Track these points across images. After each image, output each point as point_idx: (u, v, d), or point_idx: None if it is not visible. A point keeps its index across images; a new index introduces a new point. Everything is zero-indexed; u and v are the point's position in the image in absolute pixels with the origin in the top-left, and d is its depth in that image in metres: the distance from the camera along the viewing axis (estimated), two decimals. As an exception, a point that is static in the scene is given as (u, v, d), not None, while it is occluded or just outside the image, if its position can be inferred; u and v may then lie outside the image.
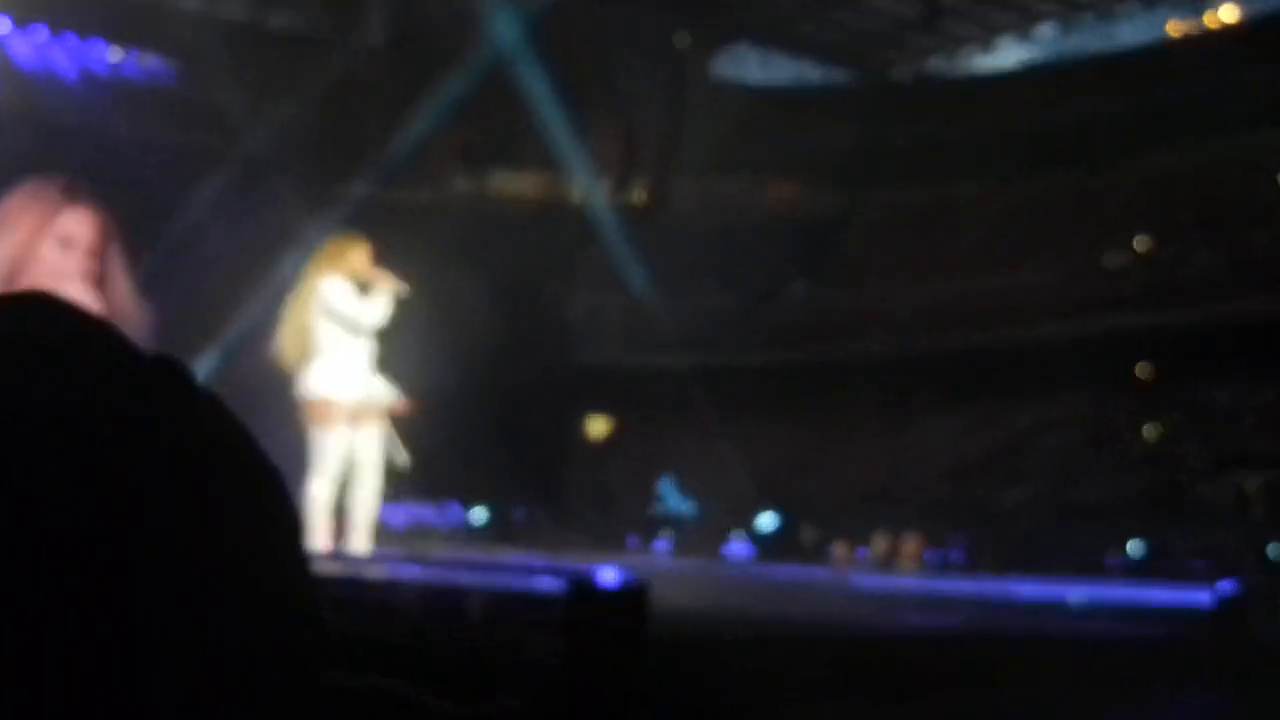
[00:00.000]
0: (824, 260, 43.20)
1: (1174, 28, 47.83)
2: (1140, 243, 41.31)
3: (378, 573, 8.17)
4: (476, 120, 41.78)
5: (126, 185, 33.74)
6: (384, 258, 10.95)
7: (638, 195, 44.07)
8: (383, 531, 25.85)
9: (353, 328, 10.12)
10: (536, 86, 39.38)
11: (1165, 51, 46.17)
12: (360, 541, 10.16)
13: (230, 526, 0.86)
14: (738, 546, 29.72)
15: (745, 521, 30.61)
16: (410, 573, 7.60)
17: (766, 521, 30.73)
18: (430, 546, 17.50)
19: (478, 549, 16.61)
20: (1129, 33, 48.31)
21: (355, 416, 10.09)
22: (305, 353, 10.09)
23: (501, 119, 40.65)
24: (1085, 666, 7.49)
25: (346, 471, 10.21)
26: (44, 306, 0.91)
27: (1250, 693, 8.02)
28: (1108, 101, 42.69)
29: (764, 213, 45.35)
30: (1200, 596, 9.42)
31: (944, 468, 38.29)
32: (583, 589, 5.17)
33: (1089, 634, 9.55)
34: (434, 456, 30.13)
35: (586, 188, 39.98)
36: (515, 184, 43.54)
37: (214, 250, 34.64)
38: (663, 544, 30.39)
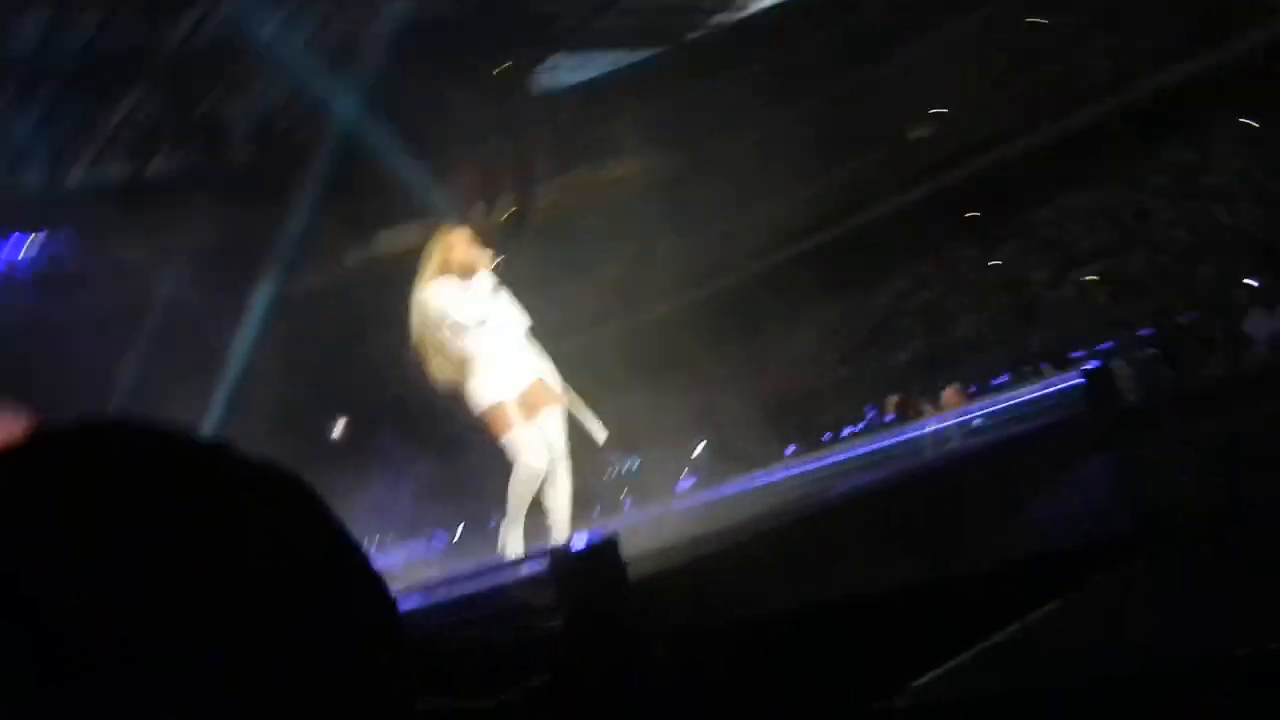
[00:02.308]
0: (684, 211, 43.25)
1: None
2: (941, 111, 41.78)
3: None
4: (351, 195, 41.65)
5: (53, 366, 33.73)
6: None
7: (506, 214, 43.98)
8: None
9: (479, 324, 8.65)
10: (391, 147, 39.33)
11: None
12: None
13: (330, 628, 0.90)
14: (686, 482, 29.60)
15: (684, 458, 30.56)
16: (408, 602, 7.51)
17: (700, 452, 30.67)
18: (423, 574, 17.22)
19: (468, 563, 16.34)
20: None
21: (530, 409, 8.61)
22: (457, 367, 8.73)
23: (367, 185, 40.50)
24: (993, 469, 7.68)
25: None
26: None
27: (1124, 446, 8.28)
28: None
29: (621, 189, 45.34)
30: (1070, 383, 9.62)
31: (837, 352, 38.62)
32: (561, 560, 5.28)
33: (991, 441, 9.74)
34: (401, 493, 30.28)
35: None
36: (401, 239, 43.35)
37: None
38: (627, 502, 30.24)
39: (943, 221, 37.61)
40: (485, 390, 8.56)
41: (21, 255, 41.71)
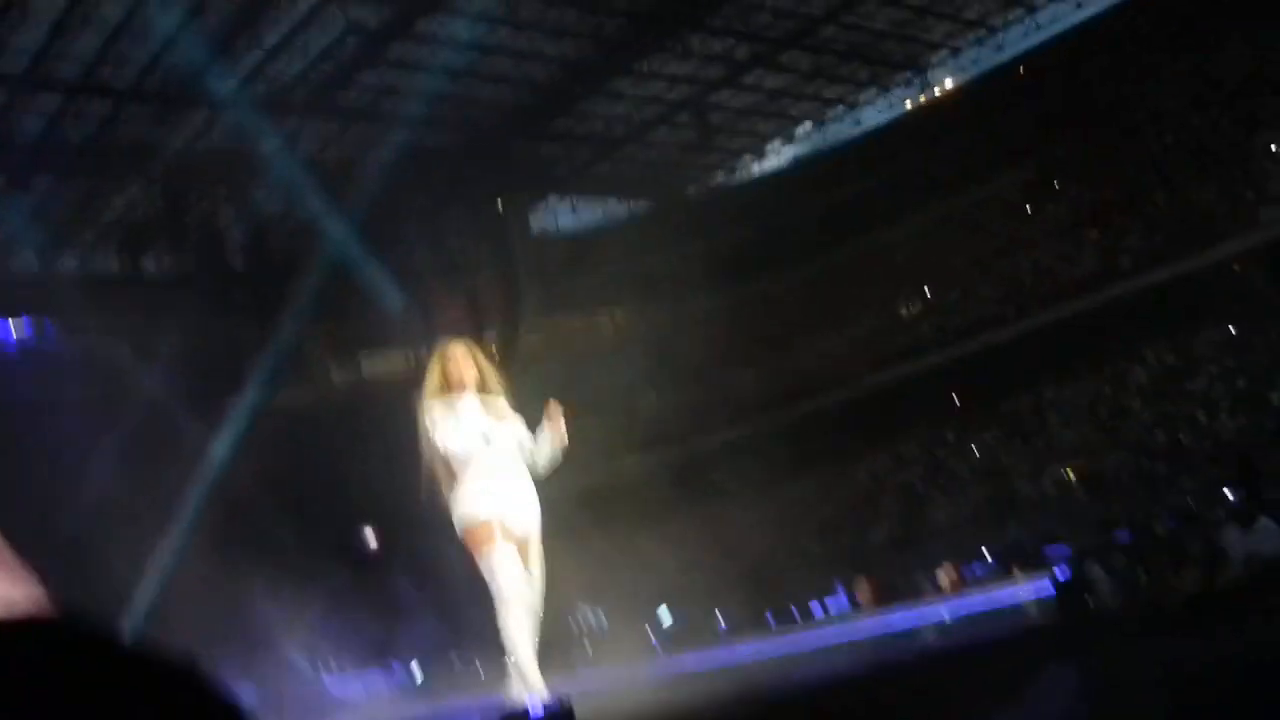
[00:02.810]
0: (666, 368, 43.39)
1: (911, 102, 49.14)
2: (928, 292, 42.12)
3: None
4: (337, 314, 41.72)
5: (39, 447, 33.68)
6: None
7: (489, 348, 44.15)
8: (340, 703, 25.49)
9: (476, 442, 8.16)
10: (381, 271, 39.51)
11: (909, 122, 47.41)
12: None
13: None
14: (649, 647, 29.19)
15: (648, 620, 30.20)
16: None
17: (665, 616, 30.40)
18: (381, 711, 16.74)
19: (425, 703, 15.87)
20: (873, 114, 49.69)
21: (520, 537, 8.16)
22: (449, 482, 8.21)
23: (358, 306, 40.60)
24: (962, 672, 7.57)
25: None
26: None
27: (1096, 656, 8.19)
28: (868, 175, 43.73)
29: (604, 339, 45.53)
30: (1044, 585, 9.54)
31: (812, 526, 38.45)
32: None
33: (962, 642, 9.63)
34: (370, 621, 29.88)
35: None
36: (385, 363, 43.39)
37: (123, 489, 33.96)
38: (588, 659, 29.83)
39: (925, 403, 37.79)
40: (473, 507, 8.02)
41: (11, 337, 41.80)
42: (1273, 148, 35.40)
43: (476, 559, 7.73)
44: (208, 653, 32.42)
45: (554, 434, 8.13)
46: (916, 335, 40.56)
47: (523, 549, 7.82)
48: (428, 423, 8.00)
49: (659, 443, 40.20)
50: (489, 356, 8.43)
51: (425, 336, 39.40)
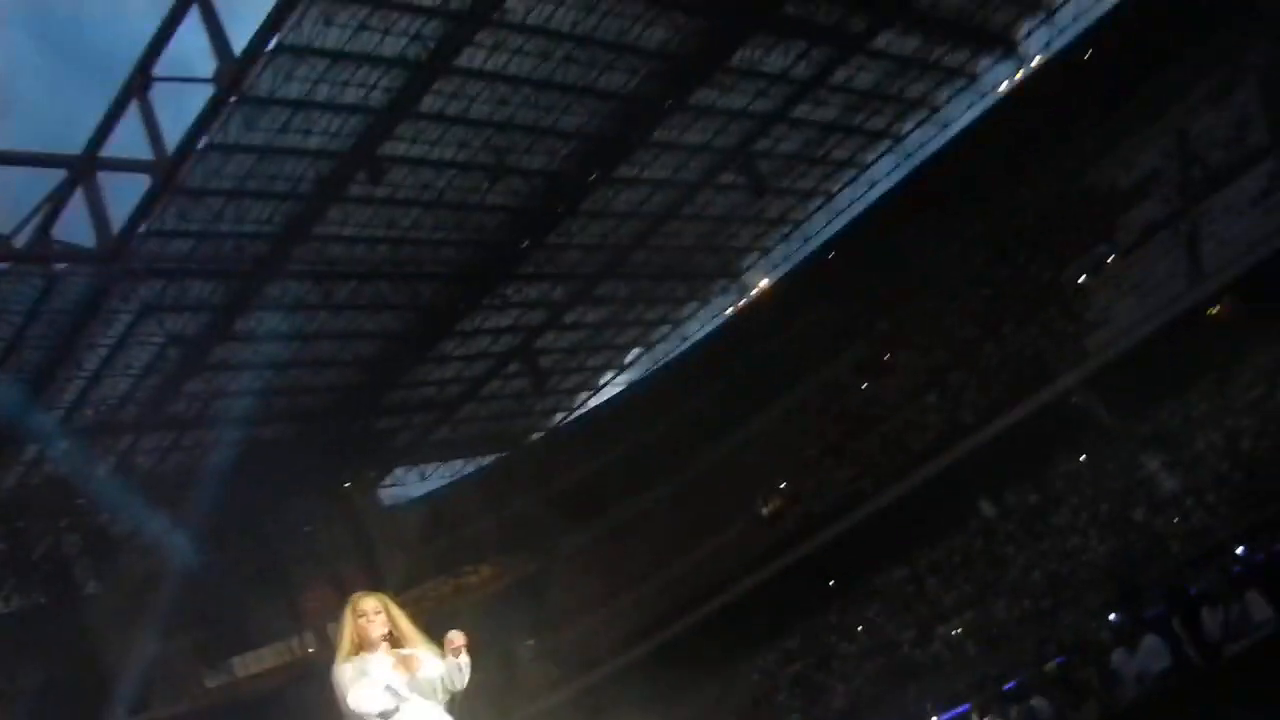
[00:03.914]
0: (542, 611, 42.84)
1: (731, 308, 49.59)
2: (785, 485, 42.11)
3: None
4: (202, 621, 40.78)
5: None
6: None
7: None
8: None
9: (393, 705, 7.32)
10: (240, 571, 38.79)
11: (733, 327, 47.86)
12: None
13: None
14: None
15: None
16: None
17: None
18: None
19: None
20: (696, 327, 50.05)
21: None
22: None
23: (223, 611, 39.66)
24: None
25: None
26: None
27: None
28: (709, 382, 44.03)
29: (475, 595, 44.92)
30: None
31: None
32: None
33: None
34: None
35: (315, 640, 38.90)
36: (258, 660, 42.19)
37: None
38: None
39: (802, 593, 37.48)
40: None
41: None
42: (1080, 279, 36.12)
43: None
44: None
45: (458, 660, 7.54)
46: (780, 529, 40.34)
47: None
48: (337, 687, 7.27)
49: (544, 687, 39.50)
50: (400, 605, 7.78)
51: (294, 629, 38.58)
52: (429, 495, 50.88)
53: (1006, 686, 21.87)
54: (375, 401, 45.66)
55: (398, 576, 43.50)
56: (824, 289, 43.89)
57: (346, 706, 7.22)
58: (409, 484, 51.33)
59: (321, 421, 43.95)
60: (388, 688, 7.19)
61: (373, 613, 7.32)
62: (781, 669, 38.68)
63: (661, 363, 50.75)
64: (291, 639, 40.89)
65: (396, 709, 7.23)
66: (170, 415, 40.25)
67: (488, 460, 52.18)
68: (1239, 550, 18.25)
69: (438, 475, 51.89)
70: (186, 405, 40.31)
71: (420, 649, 7.46)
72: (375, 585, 45.39)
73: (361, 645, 7.25)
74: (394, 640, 7.34)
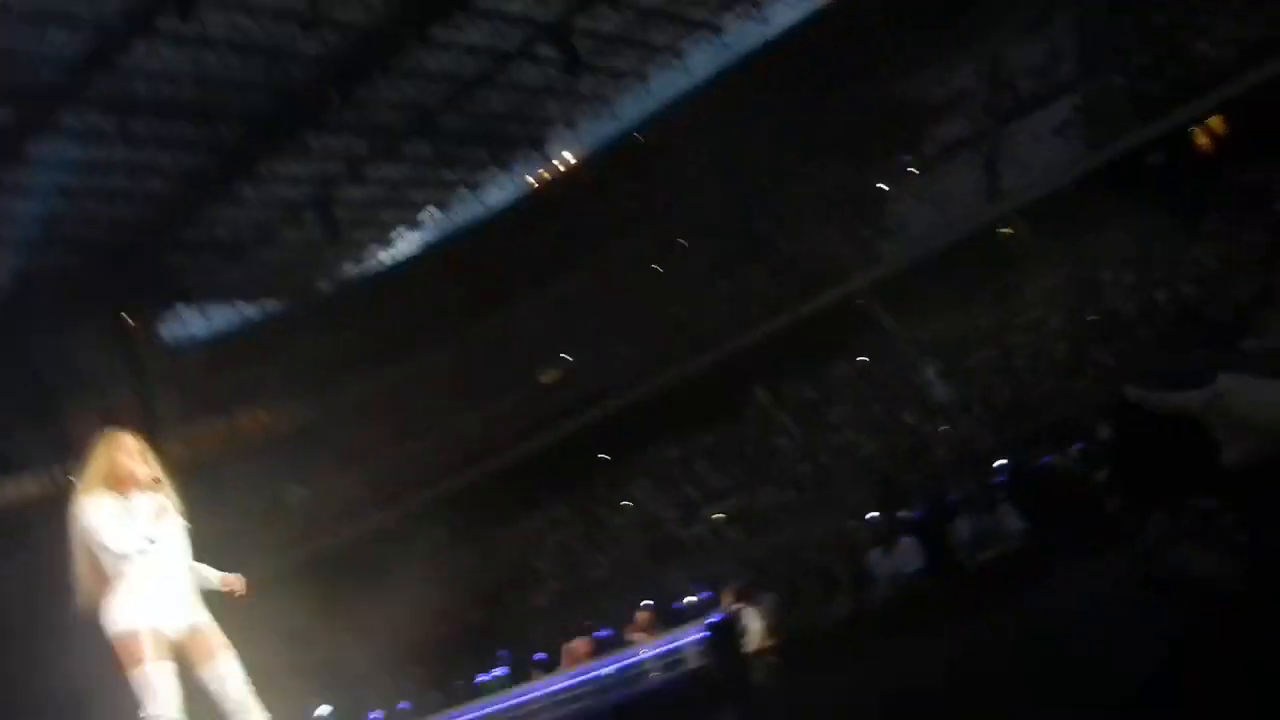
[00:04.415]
0: (312, 461, 42.57)
1: (535, 179, 49.42)
2: (566, 358, 42.38)
3: None
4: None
5: None
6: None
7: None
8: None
9: (132, 555, 7.10)
10: (10, 394, 37.95)
11: (533, 197, 47.72)
12: None
13: None
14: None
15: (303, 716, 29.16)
16: None
17: (323, 709, 29.45)
18: None
19: None
20: (497, 195, 49.80)
21: (196, 654, 7.17)
22: (102, 585, 7.15)
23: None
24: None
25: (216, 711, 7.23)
26: None
27: (754, 698, 8.02)
28: (491, 254, 43.86)
29: (247, 439, 44.53)
30: (700, 632, 9.30)
31: (474, 596, 38.05)
32: None
33: (621, 700, 9.34)
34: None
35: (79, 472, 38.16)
36: (16, 489, 41.37)
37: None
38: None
39: (574, 465, 37.84)
40: (125, 614, 7.06)
41: None
42: (882, 186, 36.69)
43: (127, 671, 6.90)
44: None
45: (223, 583, 7.42)
46: (558, 400, 40.64)
47: (194, 660, 7.05)
48: (87, 520, 7.10)
49: (310, 535, 39.40)
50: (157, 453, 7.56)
51: (59, 458, 37.84)
52: (211, 336, 50.13)
53: (767, 572, 22.43)
54: (164, 237, 44.73)
55: (172, 414, 42.86)
56: (628, 170, 43.92)
57: (90, 540, 7.13)
58: (191, 323, 50.53)
59: (108, 253, 42.96)
60: (142, 531, 7.09)
61: (137, 452, 7.35)
62: (545, 536, 39.15)
63: (457, 225, 50.49)
64: (54, 468, 40.11)
65: (143, 555, 7.14)
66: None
67: (274, 306, 51.57)
68: (999, 463, 18.86)
69: (221, 316, 51.16)
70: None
71: (172, 500, 7.37)
72: (149, 421, 44.89)
73: (119, 482, 7.15)
74: (151, 485, 7.23)
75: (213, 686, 7.16)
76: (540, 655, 24.58)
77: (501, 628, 34.11)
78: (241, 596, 7.49)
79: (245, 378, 45.82)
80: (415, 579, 35.50)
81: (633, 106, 46.82)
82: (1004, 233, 32.95)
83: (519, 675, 24.45)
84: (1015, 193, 32.77)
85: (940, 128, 36.56)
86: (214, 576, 7.46)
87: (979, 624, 7.88)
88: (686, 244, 41.71)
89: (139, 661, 6.94)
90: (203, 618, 7.18)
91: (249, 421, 46.40)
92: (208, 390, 45.64)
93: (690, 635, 9.91)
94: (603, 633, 21.23)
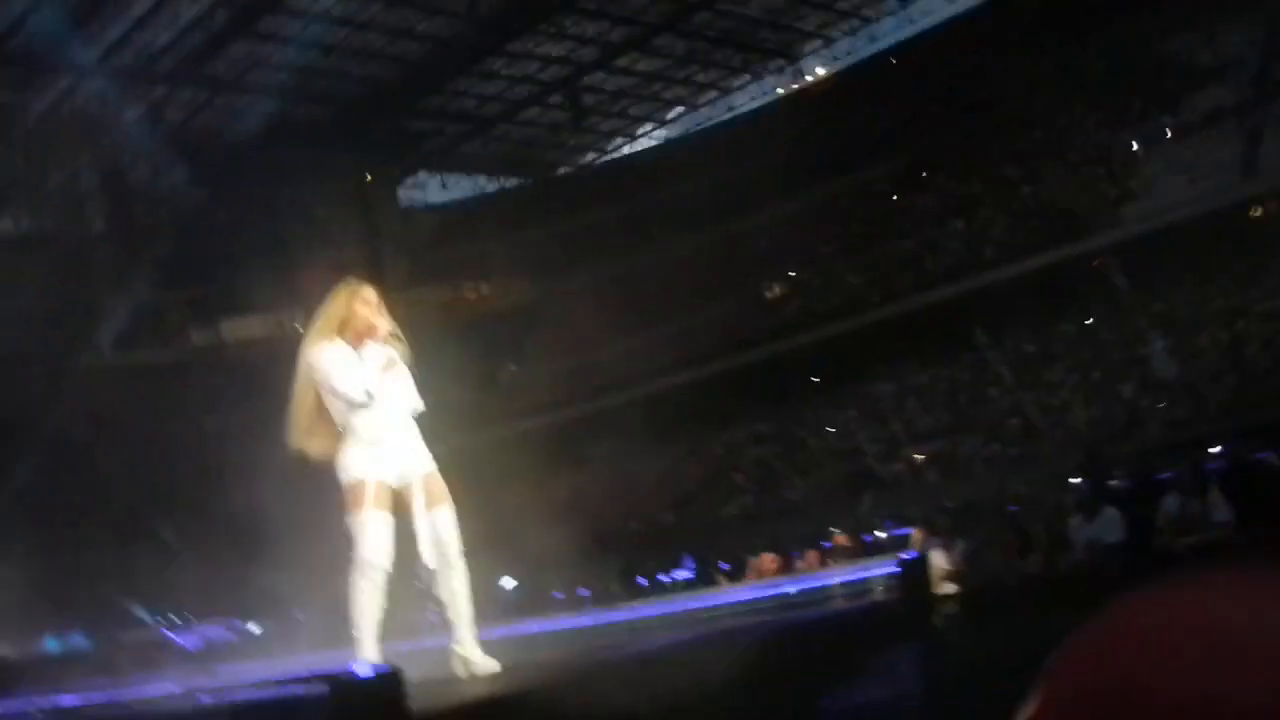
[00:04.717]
0: (529, 341, 43.36)
1: (782, 89, 49.30)
2: (793, 275, 42.38)
3: (157, 697, 7.48)
4: (200, 277, 41.23)
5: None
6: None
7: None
8: (177, 654, 25.06)
9: (363, 404, 7.35)
10: (247, 238, 39.08)
11: (780, 110, 47.58)
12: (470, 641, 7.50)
13: None
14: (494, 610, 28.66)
15: (493, 587, 29.78)
16: (186, 705, 7.01)
17: (509, 583, 30.06)
18: (217, 665, 16.21)
19: (262, 660, 15.36)
20: (745, 100, 49.77)
21: (420, 501, 7.38)
22: (330, 435, 7.45)
23: (221, 271, 40.05)
24: (803, 648, 7.47)
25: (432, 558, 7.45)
26: None
27: (934, 640, 8.19)
28: (739, 160, 43.65)
29: (469, 311, 45.28)
30: (890, 565, 9.46)
31: (667, 498, 38.53)
32: (341, 686, 4.94)
33: (806, 619, 9.55)
34: (216, 578, 29.40)
35: (304, 320, 39.35)
36: (245, 329, 42.74)
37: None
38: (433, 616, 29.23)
39: (785, 383, 37.92)
40: (353, 461, 7.31)
41: None
42: (1134, 146, 35.89)
43: (347, 517, 7.20)
44: (46, 598, 32.06)
45: (436, 512, 7.39)
46: (779, 317, 40.74)
47: (412, 509, 7.27)
48: (321, 365, 7.36)
49: (519, 414, 40.12)
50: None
51: (288, 304, 39.04)
52: (446, 205, 51.10)
53: (967, 518, 22.41)
54: (413, 102, 45.63)
55: (399, 276, 43.87)
56: (878, 93, 43.60)
57: (327, 384, 7.25)
58: (429, 190, 51.60)
59: (356, 111, 43.98)
60: (373, 382, 7.36)
61: (374, 303, 7.49)
62: (745, 450, 39.40)
63: (702, 126, 50.65)
64: (281, 313, 41.37)
65: (372, 406, 7.43)
66: (208, 74, 40.29)
67: (511, 183, 52.37)
68: (1214, 450, 18.60)
69: (459, 187, 52.10)
70: (226, 68, 40.32)
71: (404, 355, 7.60)
72: (376, 280, 45.75)
73: (355, 332, 7.38)
74: (385, 338, 7.46)
75: (427, 536, 7.37)
76: (725, 565, 24.99)
77: (689, 532, 34.51)
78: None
79: (474, 251, 46.58)
80: (611, 471, 36.12)
81: (893, 28, 46.41)
82: (1256, 213, 32.09)
83: (702, 580, 24.82)
84: (1275, 173, 31.83)
85: (1203, 93, 35.46)
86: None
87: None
88: (928, 176, 41.35)
89: (360, 508, 7.20)
90: (426, 469, 7.42)
91: (472, 294, 47.22)
92: (436, 258, 46.58)
93: (879, 569, 10.04)
94: (791, 553, 21.48)
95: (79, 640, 32.73)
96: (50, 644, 33.61)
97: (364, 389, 7.30)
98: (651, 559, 30.74)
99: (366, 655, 6.93)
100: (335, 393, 7.28)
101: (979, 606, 11.14)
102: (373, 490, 7.23)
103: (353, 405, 7.25)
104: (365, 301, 7.51)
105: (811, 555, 20.58)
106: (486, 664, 7.33)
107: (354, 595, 7.11)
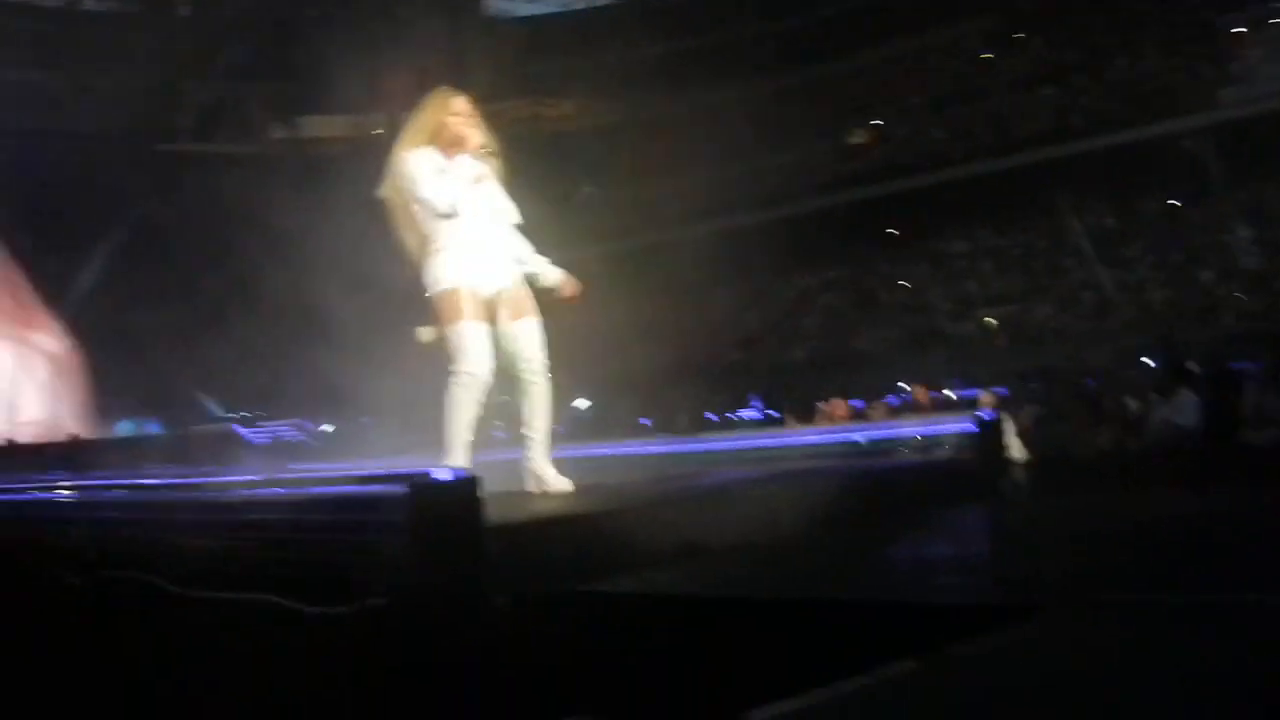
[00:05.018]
0: (606, 165, 43.15)
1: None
2: (878, 124, 42.02)
3: (234, 492, 7.52)
4: (282, 72, 41.24)
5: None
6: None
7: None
8: (249, 449, 25.41)
9: (446, 215, 7.29)
10: (329, 36, 38.94)
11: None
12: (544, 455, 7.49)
13: None
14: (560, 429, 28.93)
15: (564, 407, 29.98)
16: (263, 490, 7.03)
17: (581, 403, 30.32)
18: (288, 462, 16.33)
19: (332, 460, 15.47)
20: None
21: (508, 312, 7.35)
22: (421, 242, 7.40)
23: (303, 68, 39.99)
24: (875, 497, 7.43)
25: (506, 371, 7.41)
26: None
27: (1004, 504, 8.14)
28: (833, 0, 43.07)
29: (548, 128, 45.13)
30: (965, 424, 9.37)
31: (735, 336, 38.62)
32: (420, 486, 4.96)
33: (876, 469, 9.50)
34: (288, 377, 29.74)
35: (385, 123, 39.28)
36: (326, 126, 42.82)
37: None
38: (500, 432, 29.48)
39: (862, 231, 37.73)
40: (447, 272, 7.24)
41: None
42: (1237, 29, 35.11)
43: (441, 325, 7.19)
44: (122, 383, 32.59)
45: (557, 282, 7.48)
46: (861, 164, 40.42)
47: (514, 329, 7.23)
48: (411, 172, 7.29)
49: (593, 237, 40.12)
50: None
51: (368, 106, 38.94)
52: (533, 17, 50.61)
53: (1029, 382, 22.33)
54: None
55: (481, 87, 43.56)
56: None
57: (417, 192, 7.14)
58: (517, 3, 51.12)
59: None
60: (467, 192, 7.25)
61: (466, 114, 7.32)
62: (816, 295, 39.36)
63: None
64: (361, 115, 41.36)
65: (467, 216, 7.33)
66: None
67: (601, 1, 51.76)
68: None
69: (547, 1, 51.59)
70: None
71: (496, 167, 7.47)
72: (458, 88, 45.57)
73: (446, 141, 7.20)
74: (479, 149, 7.34)
75: (513, 346, 7.32)
76: (790, 407, 25.01)
77: (756, 371, 34.65)
78: (571, 298, 7.64)
79: (558, 68, 46.27)
80: (682, 304, 36.14)
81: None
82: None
83: (768, 421, 24.88)
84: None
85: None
86: (549, 272, 7.65)
87: (1244, 496, 7.83)
88: (1023, 38, 40.64)
89: (457, 319, 7.17)
90: (515, 279, 7.33)
91: (553, 111, 47.01)
92: (520, 70, 46.25)
93: (953, 425, 9.96)
94: (857, 401, 21.45)
95: (153, 427, 33.29)
96: (124, 428, 34.21)
97: (449, 200, 7.21)
98: (718, 394, 30.87)
99: (454, 458, 6.92)
100: (420, 201, 7.18)
101: (1049, 476, 11.08)
102: (468, 299, 7.19)
103: (437, 215, 7.18)
104: (456, 112, 7.36)
105: (879, 406, 20.53)
106: (560, 482, 7.30)
107: (450, 405, 7.04)
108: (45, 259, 33.83)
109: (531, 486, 7.30)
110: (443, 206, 7.19)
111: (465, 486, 5.02)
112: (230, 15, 42.23)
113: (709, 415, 27.74)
